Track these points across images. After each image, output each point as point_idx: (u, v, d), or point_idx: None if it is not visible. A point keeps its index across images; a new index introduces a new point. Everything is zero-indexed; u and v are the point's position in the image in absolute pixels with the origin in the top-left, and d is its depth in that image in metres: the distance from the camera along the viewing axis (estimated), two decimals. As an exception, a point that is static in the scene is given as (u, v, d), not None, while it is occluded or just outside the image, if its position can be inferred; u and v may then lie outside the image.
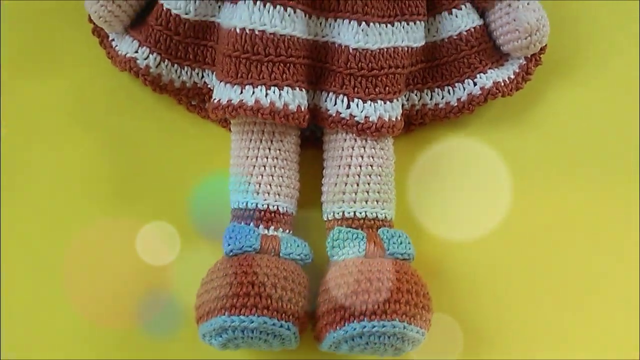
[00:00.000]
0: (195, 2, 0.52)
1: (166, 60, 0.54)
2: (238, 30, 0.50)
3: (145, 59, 0.53)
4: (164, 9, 0.52)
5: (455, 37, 0.55)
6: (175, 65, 0.54)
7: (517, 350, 0.53)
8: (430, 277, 0.51)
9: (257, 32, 0.49)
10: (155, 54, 0.53)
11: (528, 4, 0.54)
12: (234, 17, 0.51)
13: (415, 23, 0.53)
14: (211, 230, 0.53)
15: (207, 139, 0.56)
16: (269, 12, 0.49)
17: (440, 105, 0.55)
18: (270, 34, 0.49)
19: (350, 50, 0.51)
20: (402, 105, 0.55)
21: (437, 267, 0.54)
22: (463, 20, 0.54)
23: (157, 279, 0.52)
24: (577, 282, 0.54)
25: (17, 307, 0.52)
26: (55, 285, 0.52)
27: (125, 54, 0.54)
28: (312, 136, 0.55)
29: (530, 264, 0.54)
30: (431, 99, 0.56)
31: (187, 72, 0.54)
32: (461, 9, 0.55)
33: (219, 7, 0.53)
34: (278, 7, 0.50)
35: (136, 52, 0.53)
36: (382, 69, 0.51)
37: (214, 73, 0.54)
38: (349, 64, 0.51)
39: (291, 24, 0.50)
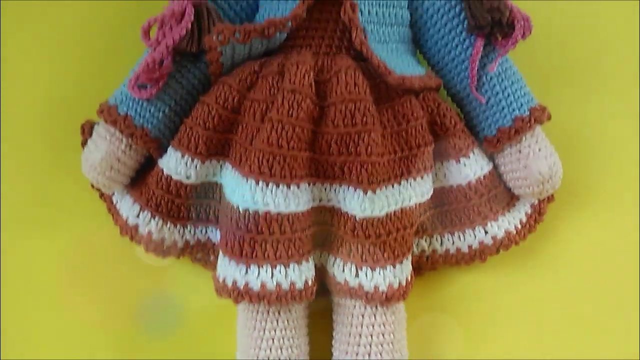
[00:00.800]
0: (196, 168, 0.51)
1: (168, 222, 0.52)
2: (241, 210, 0.48)
3: (147, 224, 0.52)
4: (164, 174, 0.51)
5: (464, 187, 0.53)
6: (178, 225, 0.53)
7: (517, 350, 0.53)
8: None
9: (260, 213, 0.48)
10: (157, 218, 0.52)
11: (539, 149, 0.52)
12: (236, 192, 0.49)
13: (422, 177, 0.51)
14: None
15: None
16: (272, 192, 0.48)
17: (451, 252, 0.54)
18: (275, 214, 0.48)
19: (357, 219, 0.49)
20: (412, 253, 0.53)
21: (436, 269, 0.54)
22: (472, 169, 0.52)
23: (157, 279, 0.53)
24: (577, 282, 0.54)
25: (17, 308, 0.52)
26: (55, 286, 0.53)
27: (127, 219, 0.52)
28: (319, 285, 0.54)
29: (530, 264, 0.54)
30: (441, 245, 0.54)
31: (190, 231, 0.53)
32: (469, 157, 0.52)
33: (221, 166, 0.52)
34: (281, 186, 0.48)
35: (137, 216, 0.52)
36: (390, 234, 0.50)
37: (218, 229, 0.53)
38: (355, 232, 0.49)
39: (295, 200, 0.48)
